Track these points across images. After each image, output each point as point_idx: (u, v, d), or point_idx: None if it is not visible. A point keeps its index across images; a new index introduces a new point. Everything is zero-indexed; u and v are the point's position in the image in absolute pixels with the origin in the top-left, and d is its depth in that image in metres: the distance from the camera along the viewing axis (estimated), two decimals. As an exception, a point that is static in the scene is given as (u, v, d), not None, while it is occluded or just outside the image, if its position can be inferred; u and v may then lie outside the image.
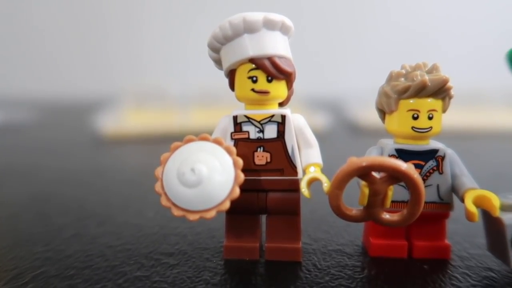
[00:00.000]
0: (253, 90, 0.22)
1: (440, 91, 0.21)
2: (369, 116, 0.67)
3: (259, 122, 0.23)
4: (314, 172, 0.22)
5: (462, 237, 0.26)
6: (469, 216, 0.21)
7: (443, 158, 0.22)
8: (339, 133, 0.66)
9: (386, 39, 1.04)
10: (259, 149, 0.23)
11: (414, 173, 0.20)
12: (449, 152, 0.23)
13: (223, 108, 0.66)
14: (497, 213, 0.21)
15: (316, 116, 0.65)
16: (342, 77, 1.02)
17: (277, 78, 0.22)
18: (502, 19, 1.01)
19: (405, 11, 1.04)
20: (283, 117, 0.22)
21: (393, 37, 1.04)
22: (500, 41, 1.01)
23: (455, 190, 0.23)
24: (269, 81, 0.22)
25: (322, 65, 0.97)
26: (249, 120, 0.23)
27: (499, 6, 1.01)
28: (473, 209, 0.21)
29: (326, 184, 0.22)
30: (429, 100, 0.22)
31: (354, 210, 0.21)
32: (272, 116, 0.23)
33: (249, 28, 0.21)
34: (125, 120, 0.65)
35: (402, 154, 0.23)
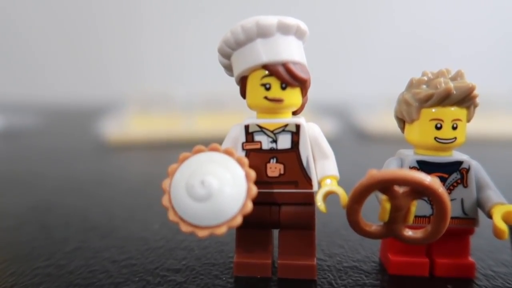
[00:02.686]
0: (266, 98, 0.21)
1: (466, 100, 0.20)
2: (376, 121, 0.66)
3: (272, 131, 0.21)
4: (330, 185, 0.21)
5: (485, 253, 0.25)
6: (497, 234, 0.20)
7: (467, 170, 0.21)
8: (346, 139, 0.65)
9: (392, 45, 1.03)
10: (272, 160, 0.22)
11: (439, 187, 0.18)
12: (474, 164, 0.21)
13: (229, 114, 0.65)
14: (528, 230, 0.19)
15: (323, 122, 0.64)
16: (348, 82, 1.00)
17: (292, 86, 0.21)
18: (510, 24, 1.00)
19: (411, 17, 1.03)
20: (298, 126, 0.21)
21: (398, 42, 1.03)
22: (509, 45, 0.99)
23: (480, 204, 0.21)
24: (283, 88, 0.21)
25: (328, 70, 0.95)
26: (261, 129, 0.21)
27: (506, 11, 1.00)
28: (502, 226, 0.19)
29: (343, 198, 0.20)
30: (453, 109, 0.20)
31: (374, 226, 0.20)
32: (286, 125, 0.21)
33: (263, 33, 0.20)
34: (129, 126, 0.64)
35: (424, 166, 0.21)
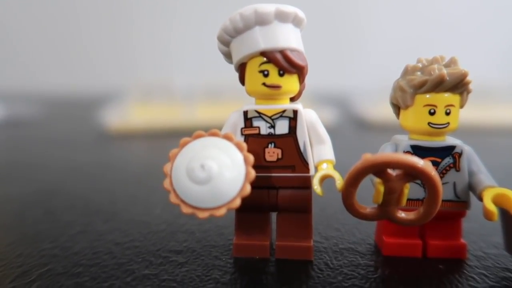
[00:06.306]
0: (264, 84, 0.21)
1: (459, 86, 0.21)
2: (376, 110, 0.66)
3: (270, 117, 0.22)
4: (326, 169, 0.22)
5: (477, 236, 0.25)
6: (488, 215, 0.20)
7: (460, 155, 0.22)
8: (346, 128, 0.66)
9: (392, 35, 1.03)
10: (270, 145, 0.22)
11: (432, 171, 0.19)
12: (467, 149, 0.22)
13: (229, 102, 0.66)
14: (517, 212, 0.20)
15: (323, 111, 0.64)
16: (348, 72, 1.01)
17: (289, 72, 0.21)
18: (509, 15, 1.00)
19: (413, 7, 1.02)
20: (295, 112, 0.22)
21: (399, 32, 1.03)
22: (508, 36, 0.99)
23: (472, 188, 0.22)
24: (281, 75, 0.21)
25: (329, 59, 0.96)
26: (260, 115, 0.22)
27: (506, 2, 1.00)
28: (492, 208, 0.20)
29: (339, 181, 0.21)
30: (447, 95, 0.21)
31: (368, 208, 0.21)
32: (284, 111, 0.22)
33: (261, 20, 0.21)
34: (130, 114, 0.65)
35: (418, 150, 0.22)
